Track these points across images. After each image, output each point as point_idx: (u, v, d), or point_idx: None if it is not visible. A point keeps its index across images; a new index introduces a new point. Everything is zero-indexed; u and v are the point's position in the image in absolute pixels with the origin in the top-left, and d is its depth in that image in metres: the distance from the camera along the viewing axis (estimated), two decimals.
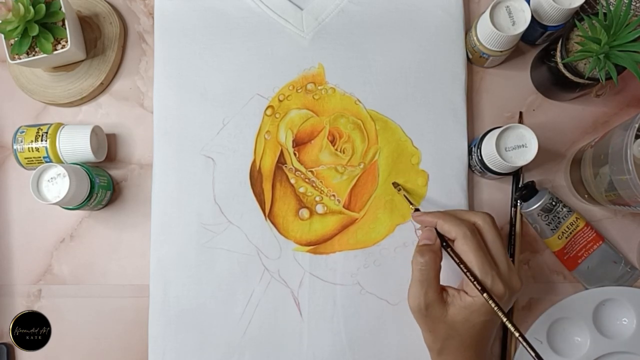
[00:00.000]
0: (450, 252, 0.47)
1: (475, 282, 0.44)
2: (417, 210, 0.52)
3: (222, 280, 0.56)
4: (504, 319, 0.43)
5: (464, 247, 0.46)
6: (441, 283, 0.48)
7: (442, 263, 0.48)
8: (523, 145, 0.51)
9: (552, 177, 0.58)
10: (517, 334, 0.42)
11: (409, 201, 0.54)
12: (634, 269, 0.56)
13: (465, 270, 0.45)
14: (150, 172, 0.58)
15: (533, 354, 0.41)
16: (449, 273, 0.50)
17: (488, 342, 0.49)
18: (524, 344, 0.42)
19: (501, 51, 0.54)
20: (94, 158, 0.56)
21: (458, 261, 0.46)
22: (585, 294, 0.56)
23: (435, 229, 0.49)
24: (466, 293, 0.46)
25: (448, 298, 0.47)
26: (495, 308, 0.44)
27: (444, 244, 0.48)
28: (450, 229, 0.47)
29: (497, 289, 0.45)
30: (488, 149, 0.52)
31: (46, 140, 0.55)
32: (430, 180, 0.57)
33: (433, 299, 0.46)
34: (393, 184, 0.56)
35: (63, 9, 0.54)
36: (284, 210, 0.57)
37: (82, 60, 0.59)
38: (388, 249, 0.56)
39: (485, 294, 0.44)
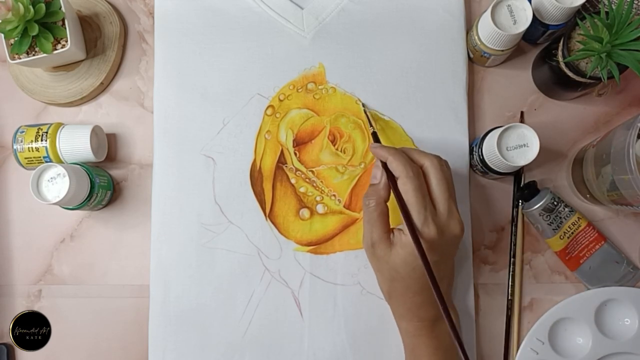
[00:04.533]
0: (393, 191, 0.48)
1: (407, 222, 0.45)
2: (374, 133, 0.53)
3: (223, 280, 0.56)
4: (421, 258, 0.44)
5: (404, 187, 0.46)
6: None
7: None
8: (524, 145, 0.50)
9: (553, 177, 0.58)
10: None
11: (370, 123, 0.55)
12: (636, 269, 0.56)
13: (401, 210, 0.46)
14: (150, 172, 0.58)
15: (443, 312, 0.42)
16: None
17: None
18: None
19: (502, 50, 0.54)
20: (94, 158, 0.56)
21: (398, 200, 0.47)
22: (587, 294, 0.55)
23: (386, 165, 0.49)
24: (404, 233, 0.47)
25: (394, 238, 0.48)
26: (416, 250, 0.44)
27: (391, 182, 0.48)
28: (396, 168, 0.47)
29: (427, 231, 0.46)
30: (489, 149, 0.51)
31: (46, 140, 0.55)
32: None
33: (378, 238, 0.48)
34: (362, 104, 0.57)
35: (63, 8, 0.54)
36: (285, 210, 0.57)
37: (82, 60, 0.59)
38: None
39: (411, 235, 0.45)
